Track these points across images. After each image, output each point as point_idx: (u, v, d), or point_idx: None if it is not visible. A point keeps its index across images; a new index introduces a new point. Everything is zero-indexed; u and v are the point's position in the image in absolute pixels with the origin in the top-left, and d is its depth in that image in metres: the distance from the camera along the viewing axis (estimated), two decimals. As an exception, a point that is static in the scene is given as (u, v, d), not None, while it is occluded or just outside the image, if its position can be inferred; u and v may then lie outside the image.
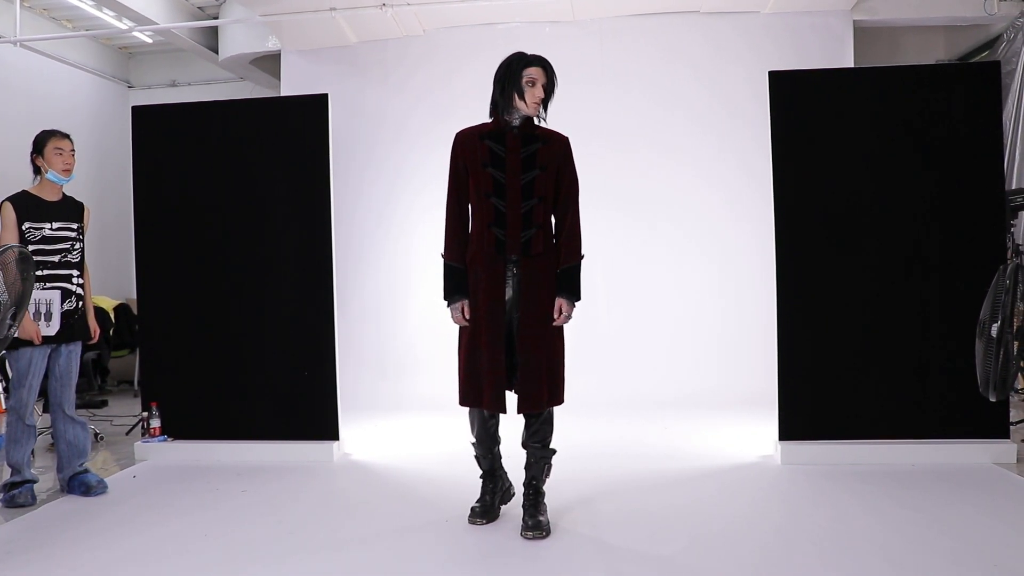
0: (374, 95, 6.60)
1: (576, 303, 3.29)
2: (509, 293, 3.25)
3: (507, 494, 3.49)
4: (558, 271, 3.29)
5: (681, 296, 6.21)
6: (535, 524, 3.18)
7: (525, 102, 3.18)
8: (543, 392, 3.21)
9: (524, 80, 3.17)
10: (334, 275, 4.61)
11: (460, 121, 3.39)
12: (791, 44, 6.16)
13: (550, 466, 3.35)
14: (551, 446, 3.35)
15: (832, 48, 6.14)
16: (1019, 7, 6.08)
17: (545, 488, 3.35)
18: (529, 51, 3.28)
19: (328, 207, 4.59)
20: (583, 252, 3.34)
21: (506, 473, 3.51)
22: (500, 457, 3.47)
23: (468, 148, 3.29)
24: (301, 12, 6.09)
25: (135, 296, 4.97)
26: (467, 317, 3.27)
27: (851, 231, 4.21)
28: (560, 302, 3.25)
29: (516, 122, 3.24)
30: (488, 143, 3.25)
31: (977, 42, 6.76)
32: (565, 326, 3.32)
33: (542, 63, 3.22)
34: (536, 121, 3.30)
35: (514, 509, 3.41)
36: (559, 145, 3.29)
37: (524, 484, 3.33)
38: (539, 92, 3.19)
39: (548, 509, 3.32)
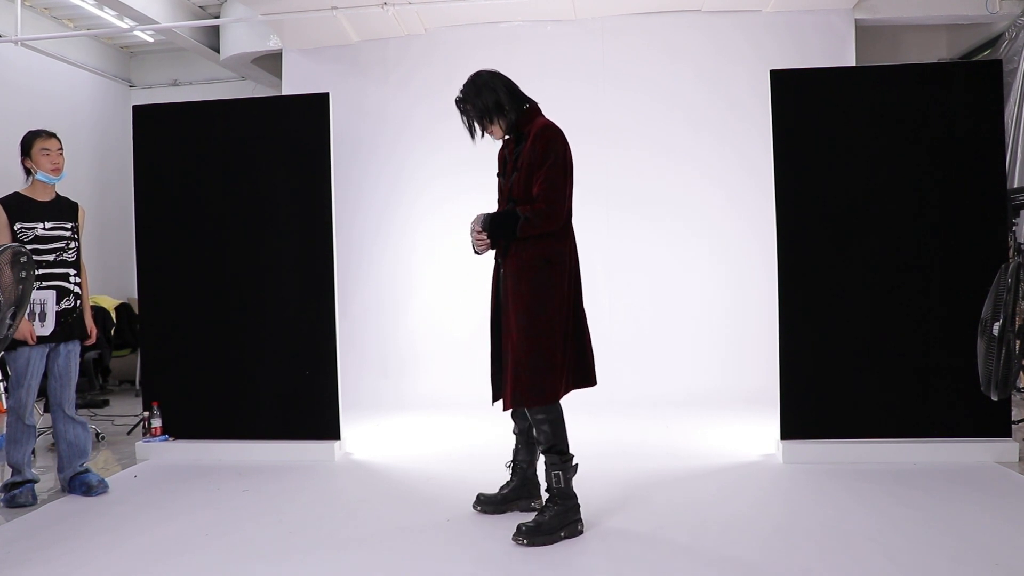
0: (375, 94, 6.60)
1: (485, 242, 3.17)
2: (502, 293, 3.29)
3: (524, 503, 3.46)
4: None
5: (683, 295, 6.21)
6: (520, 529, 3.11)
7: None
8: (508, 390, 3.17)
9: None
10: (335, 274, 4.61)
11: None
12: (793, 43, 6.15)
13: (559, 473, 3.17)
14: (564, 452, 3.20)
15: (834, 47, 6.13)
16: (1020, 6, 6.07)
17: (566, 493, 3.18)
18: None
19: (329, 206, 4.59)
20: (536, 224, 3.08)
21: (538, 486, 3.45)
22: (525, 461, 3.46)
23: (498, 162, 3.41)
24: (302, 11, 6.09)
25: (136, 295, 4.97)
26: None
27: (853, 229, 4.20)
28: (475, 219, 3.19)
29: (510, 128, 3.27)
30: (504, 152, 3.37)
31: (979, 41, 6.76)
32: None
33: (457, 105, 3.27)
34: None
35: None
36: (531, 138, 3.18)
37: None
38: (481, 127, 3.27)
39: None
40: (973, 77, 4.21)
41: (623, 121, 6.27)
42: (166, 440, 4.67)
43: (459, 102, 3.28)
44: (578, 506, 3.22)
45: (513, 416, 3.46)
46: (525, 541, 3.08)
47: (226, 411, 4.65)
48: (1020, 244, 5.05)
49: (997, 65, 4.29)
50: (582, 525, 3.21)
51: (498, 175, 3.38)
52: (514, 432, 3.50)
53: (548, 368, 3.13)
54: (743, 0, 6.13)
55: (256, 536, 3.30)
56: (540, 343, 3.12)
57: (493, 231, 3.16)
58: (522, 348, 3.12)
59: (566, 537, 3.13)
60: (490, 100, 3.20)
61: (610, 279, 6.23)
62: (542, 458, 3.31)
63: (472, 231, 3.20)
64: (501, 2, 5.95)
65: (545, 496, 3.28)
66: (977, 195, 4.13)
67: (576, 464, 3.25)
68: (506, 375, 3.19)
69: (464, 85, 3.28)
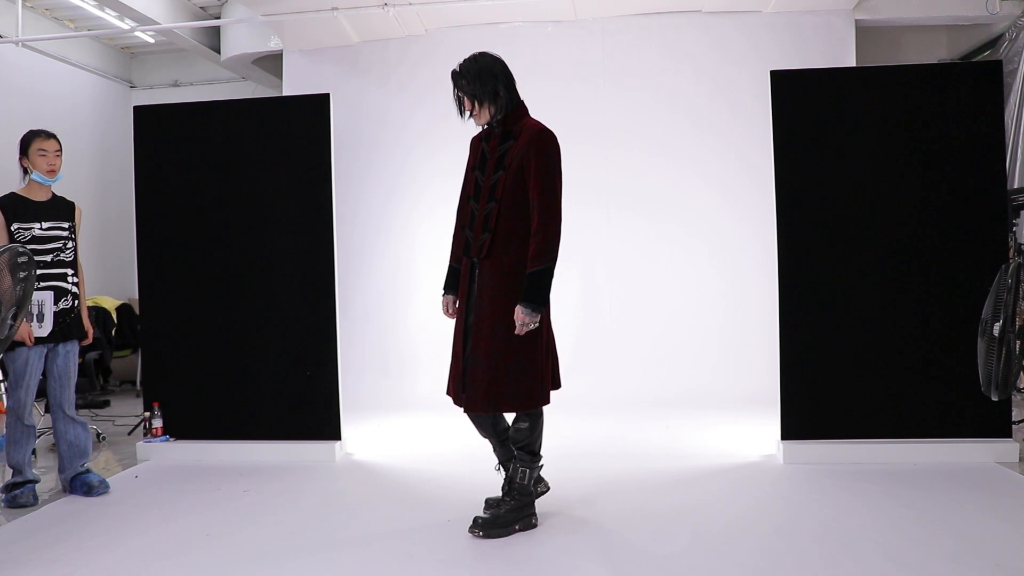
0: (376, 95, 6.61)
1: (538, 312, 3.05)
2: (475, 293, 3.23)
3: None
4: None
5: (683, 295, 6.21)
6: (477, 521, 3.19)
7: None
8: (479, 394, 3.14)
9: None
10: (336, 275, 4.61)
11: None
12: (793, 43, 6.16)
13: (526, 471, 3.25)
14: (536, 452, 3.27)
15: (834, 47, 6.13)
16: (1021, 7, 6.07)
17: (526, 490, 3.25)
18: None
19: (330, 207, 4.59)
20: (551, 257, 3.08)
21: (539, 480, 3.46)
22: (507, 458, 3.42)
23: (471, 151, 3.35)
24: (303, 12, 6.09)
25: (137, 296, 4.97)
26: (451, 311, 3.38)
27: (853, 230, 4.21)
28: (516, 309, 3.06)
29: (496, 120, 3.21)
30: (483, 145, 3.28)
31: (979, 41, 6.76)
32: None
33: (452, 78, 3.19)
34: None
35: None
36: (525, 140, 3.13)
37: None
38: (468, 107, 3.19)
39: (532, 515, 3.28)
40: (973, 78, 4.21)
41: (623, 121, 6.27)
42: (167, 440, 4.67)
43: (456, 76, 3.18)
44: (533, 501, 3.31)
45: (477, 416, 3.33)
46: (481, 533, 3.17)
47: (227, 411, 4.65)
48: (1020, 244, 5.05)
49: (997, 66, 4.29)
50: (536, 519, 3.30)
51: (474, 168, 3.29)
52: (493, 439, 3.40)
53: (532, 372, 3.14)
54: (743, 1, 6.13)
55: (257, 537, 3.31)
56: (523, 347, 3.11)
57: (536, 305, 3.04)
58: (500, 353, 3.10)
59: (520, 530, 3.23)
60: (488, 85, 3.14)
61: (610, 279, 6.22)
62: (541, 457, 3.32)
63: (524, 326, 3.05)
64: (502, 3, 5.95)
65: (541, 492, 3.36)
66: (977, 195, 4.13)
67: (542, 464, 3.33)
68: (476, 378, 3.14)
69: (466, 60, 3.19)
